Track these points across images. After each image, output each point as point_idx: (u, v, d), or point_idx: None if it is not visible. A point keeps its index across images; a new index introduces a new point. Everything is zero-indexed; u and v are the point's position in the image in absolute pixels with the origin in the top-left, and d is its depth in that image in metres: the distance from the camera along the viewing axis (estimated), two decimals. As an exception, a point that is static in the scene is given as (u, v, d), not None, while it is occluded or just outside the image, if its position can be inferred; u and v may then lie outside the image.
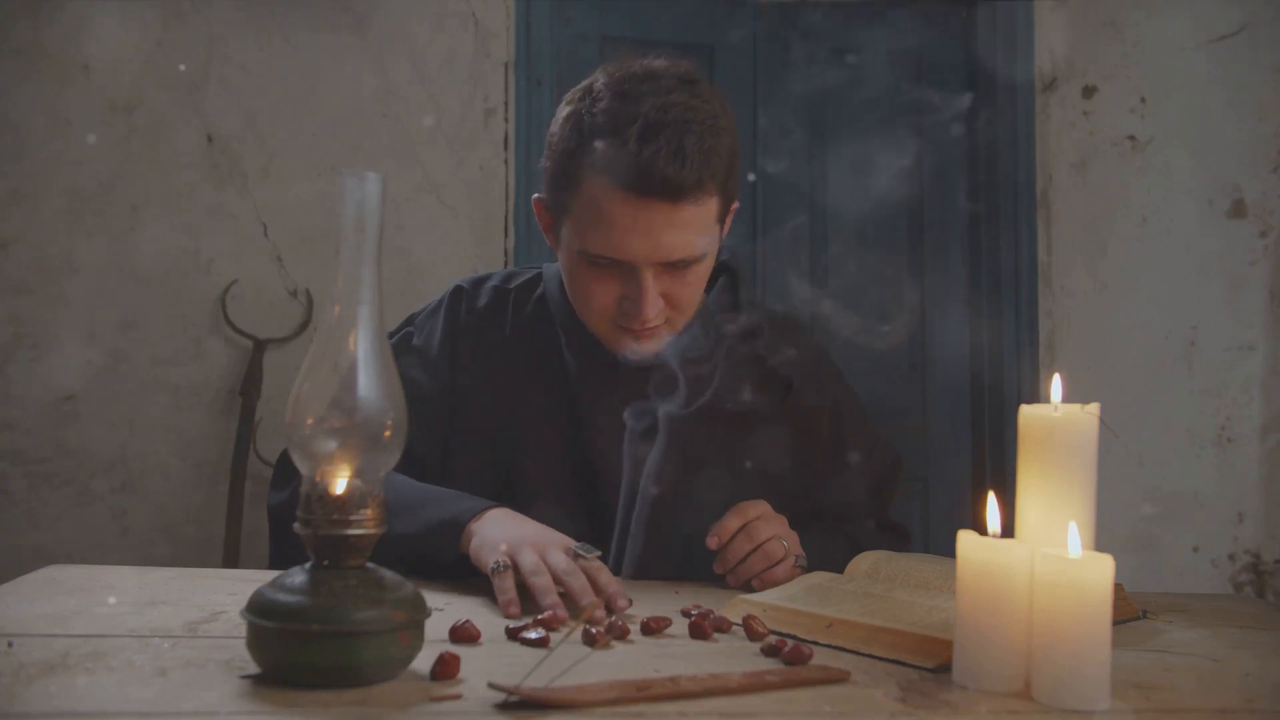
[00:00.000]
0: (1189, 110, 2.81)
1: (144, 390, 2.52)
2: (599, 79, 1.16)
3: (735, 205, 1.24)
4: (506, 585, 0.96)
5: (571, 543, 1.02)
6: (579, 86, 1.19)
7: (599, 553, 1.01)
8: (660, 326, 1.20)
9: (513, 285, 1.35)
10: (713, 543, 1.14)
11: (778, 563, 1.13)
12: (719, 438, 1.27)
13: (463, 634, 0.86)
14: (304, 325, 2.57)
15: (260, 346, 2.53)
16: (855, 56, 2.89)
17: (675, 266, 1.16)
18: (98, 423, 2.49)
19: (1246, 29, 2.81)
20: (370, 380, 0.75)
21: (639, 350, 1.21)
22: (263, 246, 2.57)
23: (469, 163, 2.64)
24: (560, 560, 0.98)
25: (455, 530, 1.06)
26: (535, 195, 1.26)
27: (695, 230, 1.14)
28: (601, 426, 1.25)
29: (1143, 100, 2.82)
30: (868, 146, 2.83)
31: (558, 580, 0.96)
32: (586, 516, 1.25)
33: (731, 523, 1.15)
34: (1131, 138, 2.82)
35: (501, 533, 1.03)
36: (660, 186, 1.09)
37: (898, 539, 1.39)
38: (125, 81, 2.54)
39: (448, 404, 1.28)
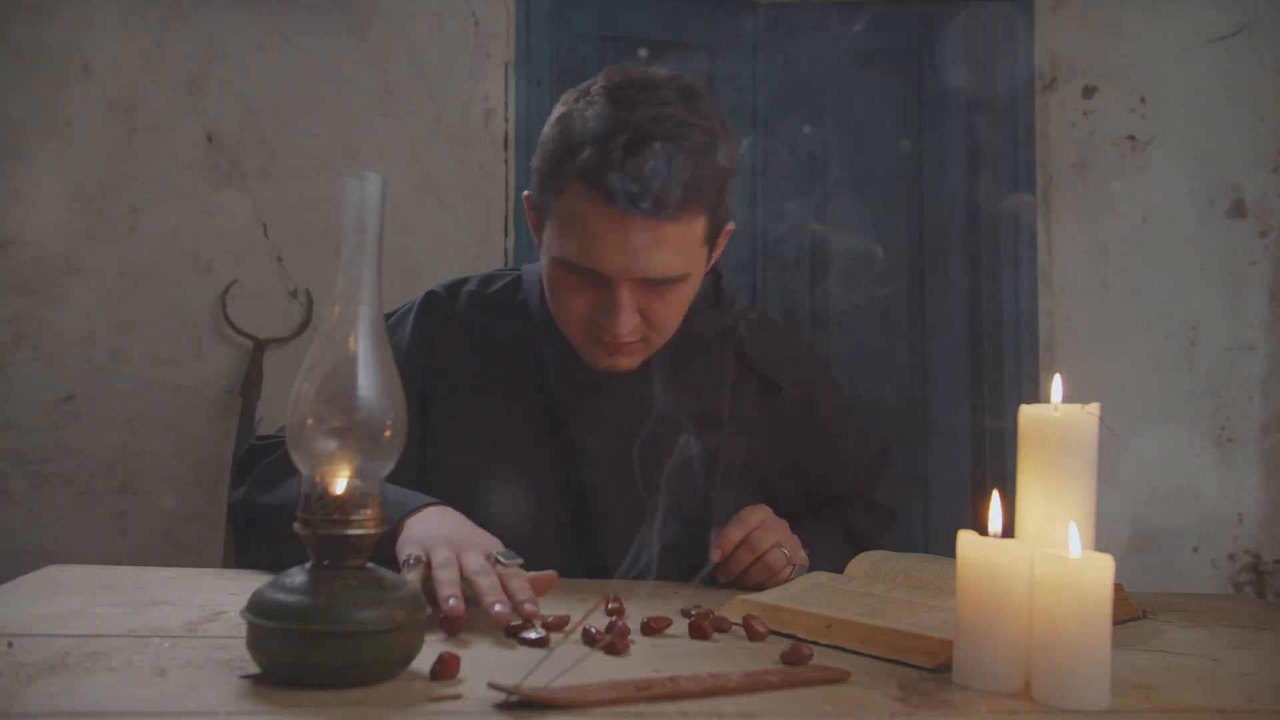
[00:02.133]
0: (1189, 110, 2.81)
1: (144, 390, 2.52)
2: (598, 81, 1.11)
3: (730, 227, 1.20)
4: (410, 579, 0.90)
5: (498, 546, 0.98)
6: (578, 87, 1.14)
7: (520, 560, 0.96)
8: (635, 343, 1.16)
9: (491, 290, 1.31)
10: (716, 555, 1.13)
11: (777, 572, 1.13)
12: (710, 442, 1.25)
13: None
14: (304, 325, 2.57)
15: (260, 346, 2.53)
16: (854, 56, 2.88)
17: (654, 284, 1.11)
18: (98, 423, 2.49)
19: (1246, 29, 2.81)
20: (370, 380, 0.75)
21: (613, 364, 1.18)
22: (263, 246, 2.57)
23: (469, 163, 2.64)
24: (474, 560, 0.92)
25: (388, 536, 1.00)
26: (525, 192, 1.22)
27: (677, 250, 1.09)
28: (585, 437, 1.23)
29: (1143, 100, 2.82)
30: (867, 146, 2.83)
31: (466, 579, 0.90)
32: (571, 523, 1.23)
33: (734, 534, 1.14)
34: (1131, 138, 2.82)
35: (427, 530, 0.98)
36: (643, 202, 1.04)
37: (885, 519, 1.40)
38: (125, 81, 2.54)
39: (419, 411, 1.23)
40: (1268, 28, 2.81)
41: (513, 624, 0.87)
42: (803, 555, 1.17)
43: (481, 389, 1.25)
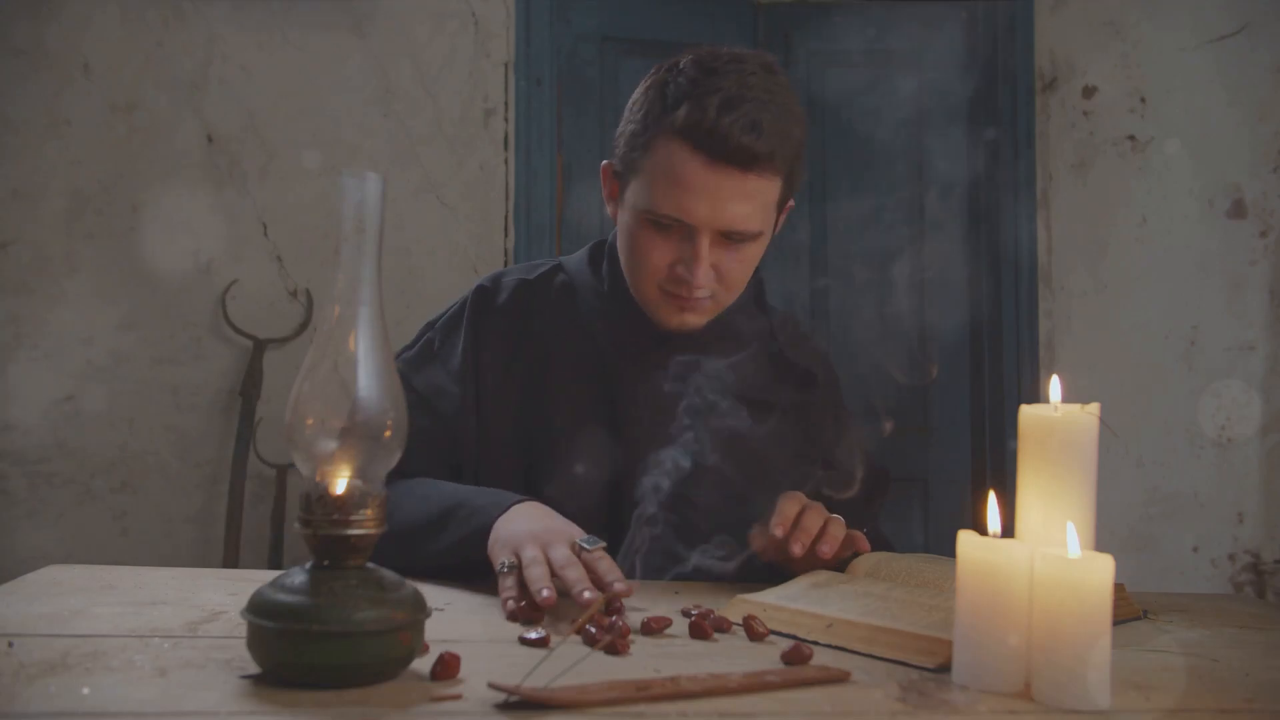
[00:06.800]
0: (1189, 110, 2.81)
1: (144, 390, 2.52)
2: (686, 57, 1.21)
3: (791, 204, 1.27)
4: (508, 584, 0.96)
5: (580, 534, 1.02)
6: (664, 63, 1.23)
7: (603, 544, 1.00)
8: (706, 300, 1.23)
9: (534, 276, 1.36)
10: (779, 531, 1.11)
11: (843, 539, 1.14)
12: (749, 429, 1.28)
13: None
14: (304, 325, 2.57)
15: (260, 346, 2.53)
16: (855, 56, 2.89)
17: (731, 239, 1.19)
18: (98, 423, 2.49)
19: (1246, 29, 2.81)
20: (370, 380, 0.75)
21: (683, 322, 1.24)
22: (263, 246, 2.57)
23: (469, 163, 2.64)
24: (560, 553, 0.97)
25: (482, 536, 1.06)
26: (605, 161, 1.30)
27: (757, 205, 1.18)
28: (638, 411, 1.25)
29: (1143, 100, 2.82)
30: (868, 147, 2.83)
31: (555, 573, 0.95)
32: (617, 506, 1.24)
33: (790, 509, 1.13)
34: (1131, 138, 2.82)
35: (515, 529, 1.03)
36: (734, 154, 1.14)
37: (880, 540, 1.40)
38: (125, 81, 2.54)
39: (475, 413, 1.29)
40: (1268, 28, 2.81)
41: (603, 609, 0.92)
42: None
43: (531, 377, 1.30)
